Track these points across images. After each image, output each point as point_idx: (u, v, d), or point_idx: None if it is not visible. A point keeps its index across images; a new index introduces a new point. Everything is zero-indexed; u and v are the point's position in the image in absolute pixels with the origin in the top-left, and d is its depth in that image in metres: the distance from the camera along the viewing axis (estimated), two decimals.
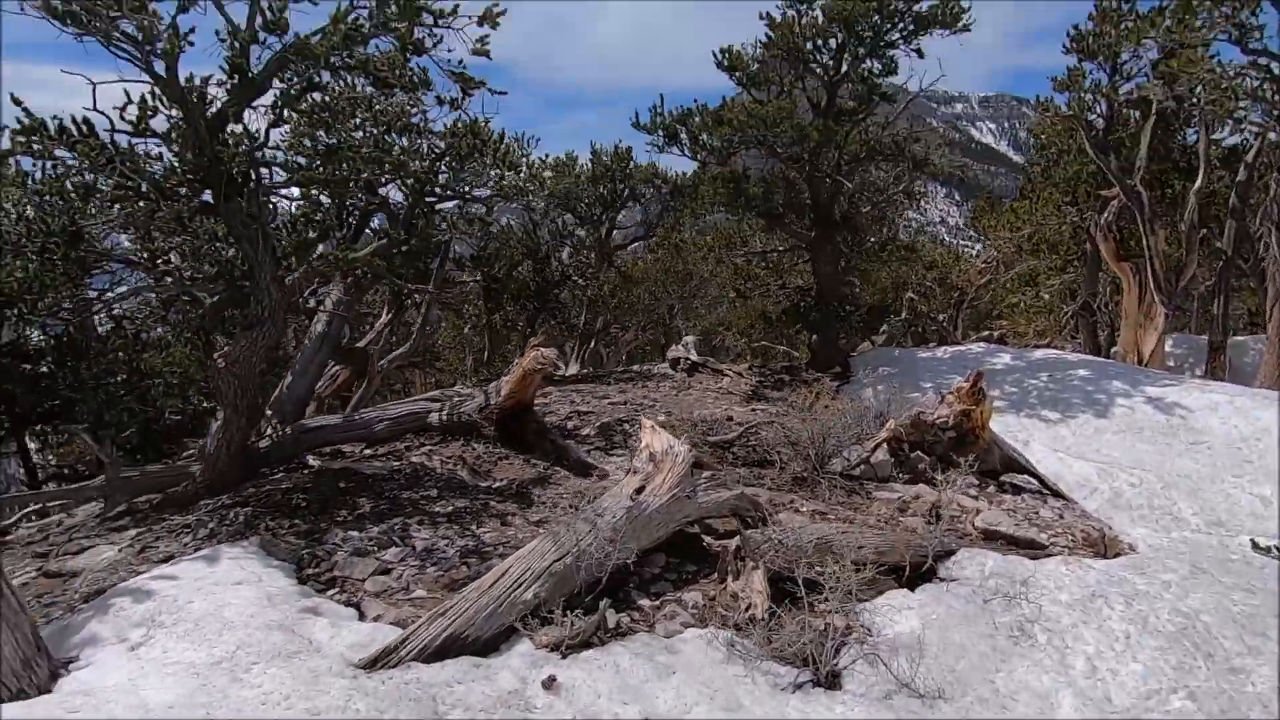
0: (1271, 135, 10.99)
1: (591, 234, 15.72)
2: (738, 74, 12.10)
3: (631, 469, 4.97)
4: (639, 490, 4.65)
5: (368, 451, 7.55)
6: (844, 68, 11.91)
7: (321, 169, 6.56)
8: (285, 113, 6.64)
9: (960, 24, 10.82)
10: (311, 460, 7.37)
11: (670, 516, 4.70)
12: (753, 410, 9.80)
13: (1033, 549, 5.49)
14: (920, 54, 11.56)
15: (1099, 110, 14.20)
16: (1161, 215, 12.90)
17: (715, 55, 12.12)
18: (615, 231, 17.09)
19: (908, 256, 13.92)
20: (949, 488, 6.52)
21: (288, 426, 7.47)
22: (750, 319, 14.03)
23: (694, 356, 13.35)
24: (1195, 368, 13.62)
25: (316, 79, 6.70)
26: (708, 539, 4.97)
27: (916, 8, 11.14)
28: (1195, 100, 11.58)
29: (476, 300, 14.51)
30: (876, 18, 11.05)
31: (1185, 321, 22.13)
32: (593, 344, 17.07)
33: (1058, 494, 7.26)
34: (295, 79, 6.63)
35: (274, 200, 7.19)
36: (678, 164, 22.28)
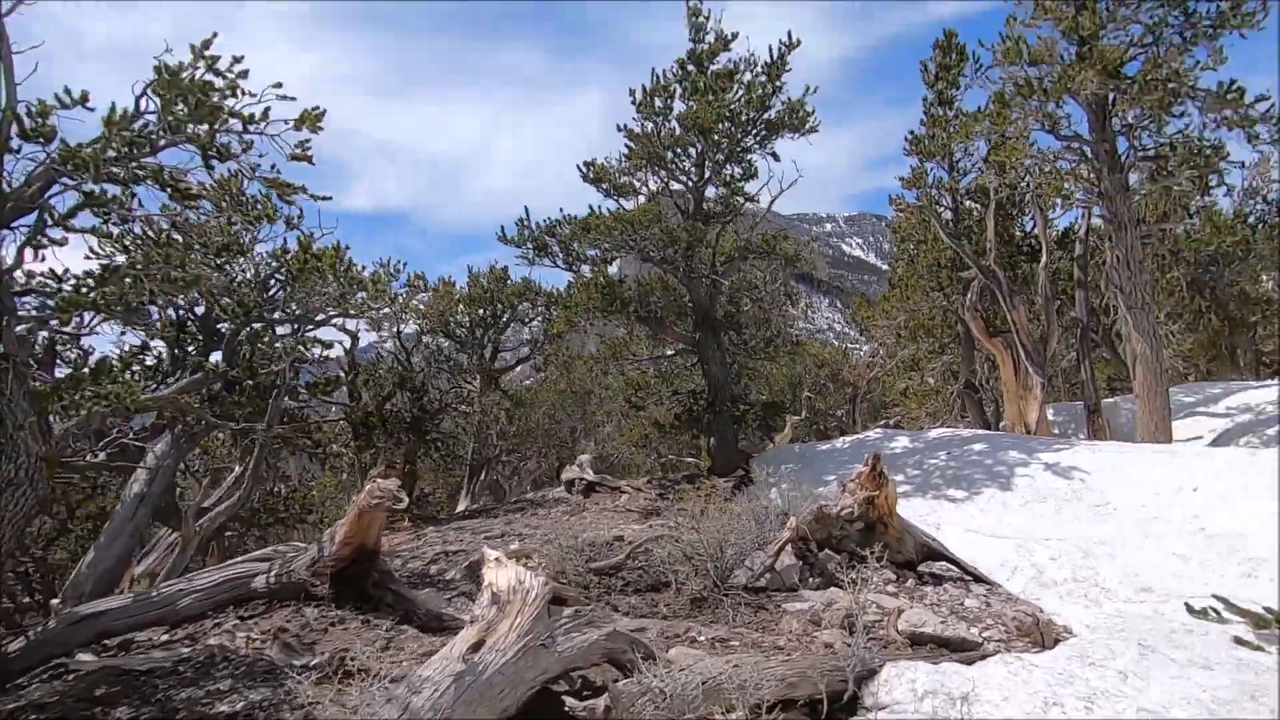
0: (1095, 210, 11.91)
1: (473, 357, 14.86)
2: (604, 185, 12.11)
3: (471, 618, 3.88)
4: (476, 646, 3.55)
5: (164, 637, 5.95)
6: (707, 173, 12.19)
7: (93, 291, 5.47)
8: (57, 233, 5.62)
9: (807, 126, 11.37)
10: (82, 657, 5.69)
11: (520, 676, 3.59)
12: (650, 526, 8.83)
13: (966, 650, 4.69)
14: (776, 157, 12.02)
15: (945, 203, 15.27)
16: (1019, 292, 13.59)
17: (580, 169, 12.15)
18: (501, 353, 16.36)
19: (795, 351, 13.86)
20: (864, 588, 5.72)
21: (53, 617, 5.82)
22: (644, 430, 13.33)
23: (589, 476, 12.36)
24: (1078, 432, 13.94)
25: (97, 192, 5.77)
26: (571, 701, 3.85)
27: (766, 115, 11.67)
28: (1026, 186, 12.55)
29: (345, 438, 13.07)
30: (729, 124, 11.46)
31: (1056, 392, 23.42)
32: (484, 475, 15.72)
33: (980, 579, 6.61)
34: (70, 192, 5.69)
35: (39, 331, 5.97)
36: (559, 280, 22.18)
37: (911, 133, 15.35)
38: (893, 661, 4.23)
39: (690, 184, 12.23)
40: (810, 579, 6.15)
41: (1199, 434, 11.53)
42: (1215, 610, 5.20)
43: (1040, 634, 5.05)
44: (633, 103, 11.58)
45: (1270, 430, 10.13)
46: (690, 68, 11.86)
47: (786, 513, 6.79)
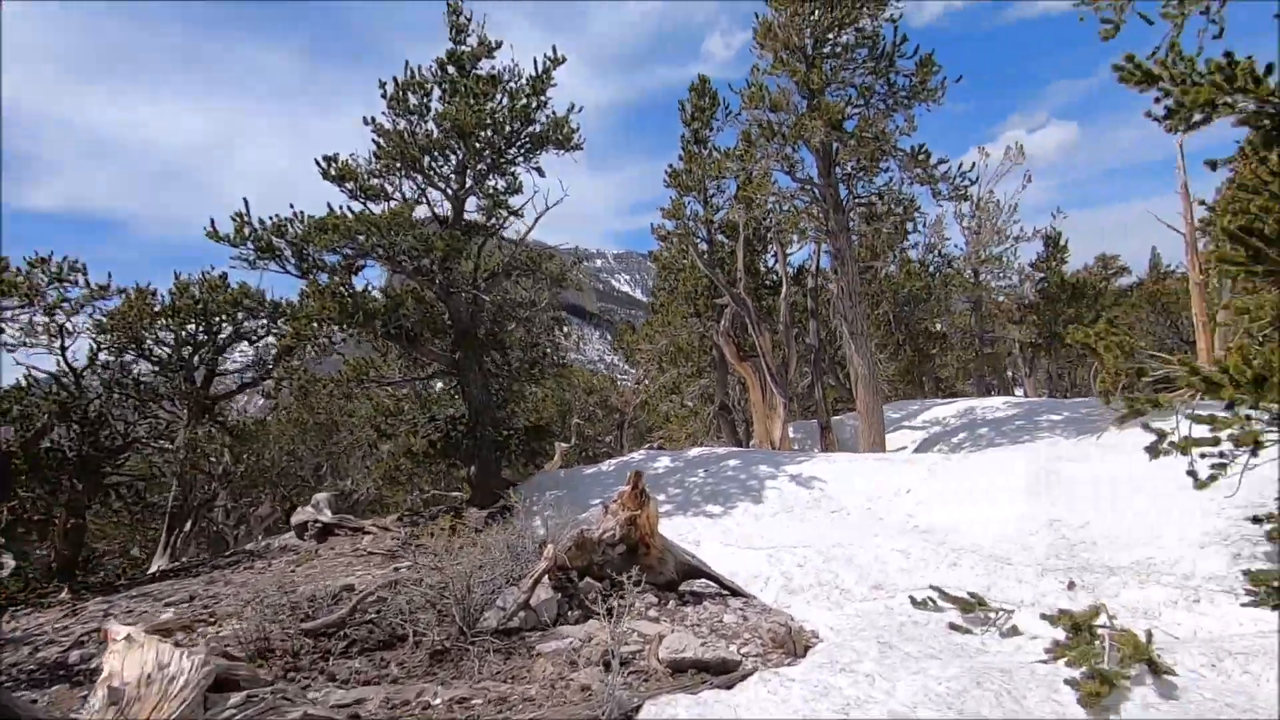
0: (824, 246, 13.35)
1: (177, 382, 12.19)
2: (349, 185, 10.73)
3: None
4: None
5: None
6: (468, 182, 11.42)
7: None
8: None
9: (572, 143, 11.20)
10: None
11: None
12: (394, 569, 7.67)
13: (727, 671, 4.46)
14: (540, 172, 11.66)
15: (701, 235, 16.21)
16: (765, 320, 14.75)
17: (320, 164, 10.63)
18: (219, 377, 13.71)
19: (561, 374, 13.49)
20: (625, 616, 5.32)
21: None
22: (393, 462, 11.91)
23: (325, 517, 10.67)
24: (814, 446, 15.41)
25: None
26: None
27: (531, 129, 11.28)
28: (769, 221, 13.70)
29: None
30: (492, 133, 10.86)
31: (794, 413, 26.19)
32: (190, 526, 12.91)
33: (737, 592, 6.61)
34: None
35: None
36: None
37: (670, 166, 16.13)
38: (653, 698, 3.81)
39: (450, 192, 11.37)
40: (570, 612, 5.60)
41: (904, 444, 13.33)
42: (933, 600, 5.66)
43: (793, 643, 5.02)
44: (383, 96, 10.47)
45: (955, 438, 12.02)
46: (450, 69, 11.10)
47: (546, 541, 6.19)
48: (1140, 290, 32.63)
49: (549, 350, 13.34)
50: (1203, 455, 4.15)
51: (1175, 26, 5.26)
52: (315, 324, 9.37)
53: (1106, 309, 28.88)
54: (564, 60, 11.07)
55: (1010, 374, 32.65)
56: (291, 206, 9.55)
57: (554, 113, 11.17)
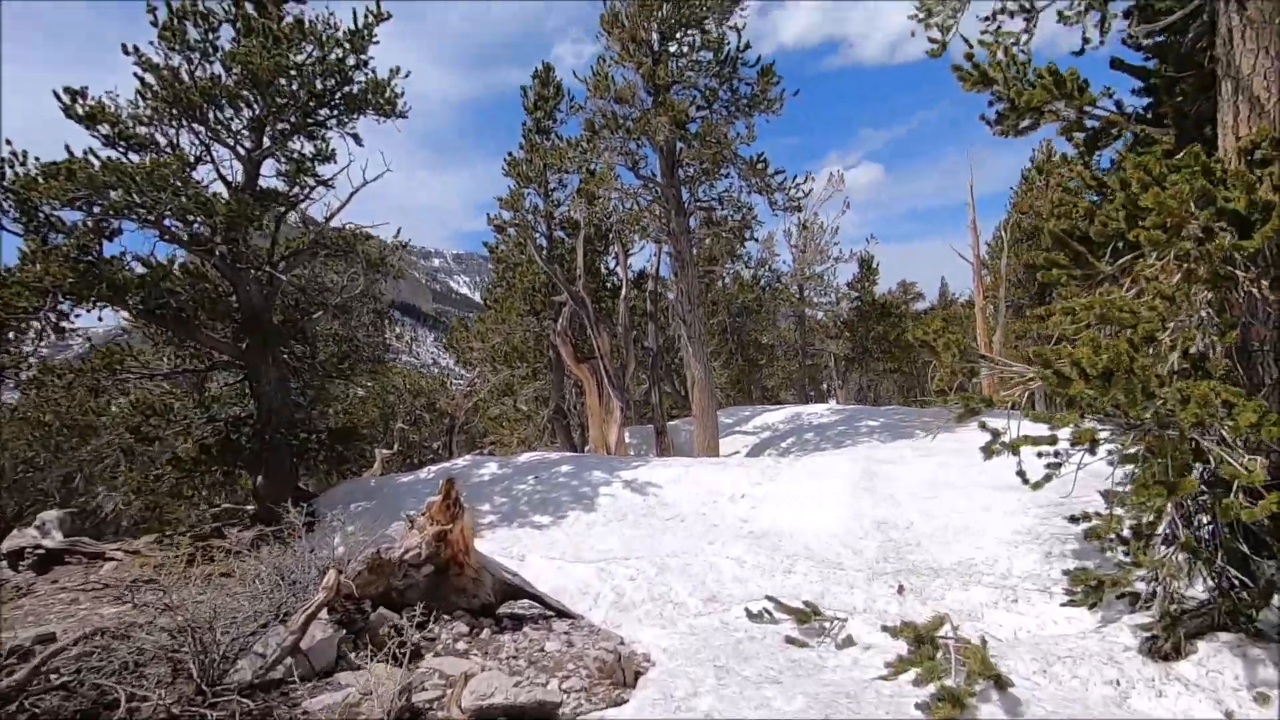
0: (665, 249, 13.16)
1: None
2: (105, 129, 8.69)
3: None
4: None
5: None
6: (266, 142, 9.76)
7: None
8: None
9: (396, 110, 9.96)
10: None
11: None
12: (135, 607, 6.05)
13: (544, 716, 3.73)
14: (358, 139, 10.27)
15: (541, 229, 15.43)
16: (603, 321, 14.27)
17: (59, 98, 8.49)
18: None
19: (378, 371, 12.03)
20: (426, 652, 4.42)
21: None
22: (149, 471, 9.74)
23: (53, 541, 8.50)
24: (649, 451, 15.17)
25: None
26: None
27: (348, 89, 9.89)
28: (611, 219, 13.26)
29: None
30: (299, 88, 9.35)
31: (629, 418, 26.13)
32: None
33: (563, 613, 5.91)
34: None
35: None
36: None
37: (510, 154, 15.22)
38: None
39: (243, 151, 9.64)
40: (356, 653, 4.56)
41: (737, 449, 13.46)
42: (768, 612, 5.34)
43: (622, 672, 4.42)
44: (153, 23, 8.60)
45: (784, 443, 12.28)
46: (248, 5, 9.41)
47: (332, 563, 5.08)
48: (933, 314, 36.74)
49: (363, 345, 11.84)
50: (1039, 454, 4.12)
51: (993, 49, 5.35)
52: (32, 295, 7.31)
53: (909, 328, 32.01)
54: (388, 17, 9.82)
55: (825, 386, 35.23)
56: (9, 143, 7.45)
57: (374, 73, 9.89)
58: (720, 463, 9.26)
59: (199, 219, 8.76)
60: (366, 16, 9.74)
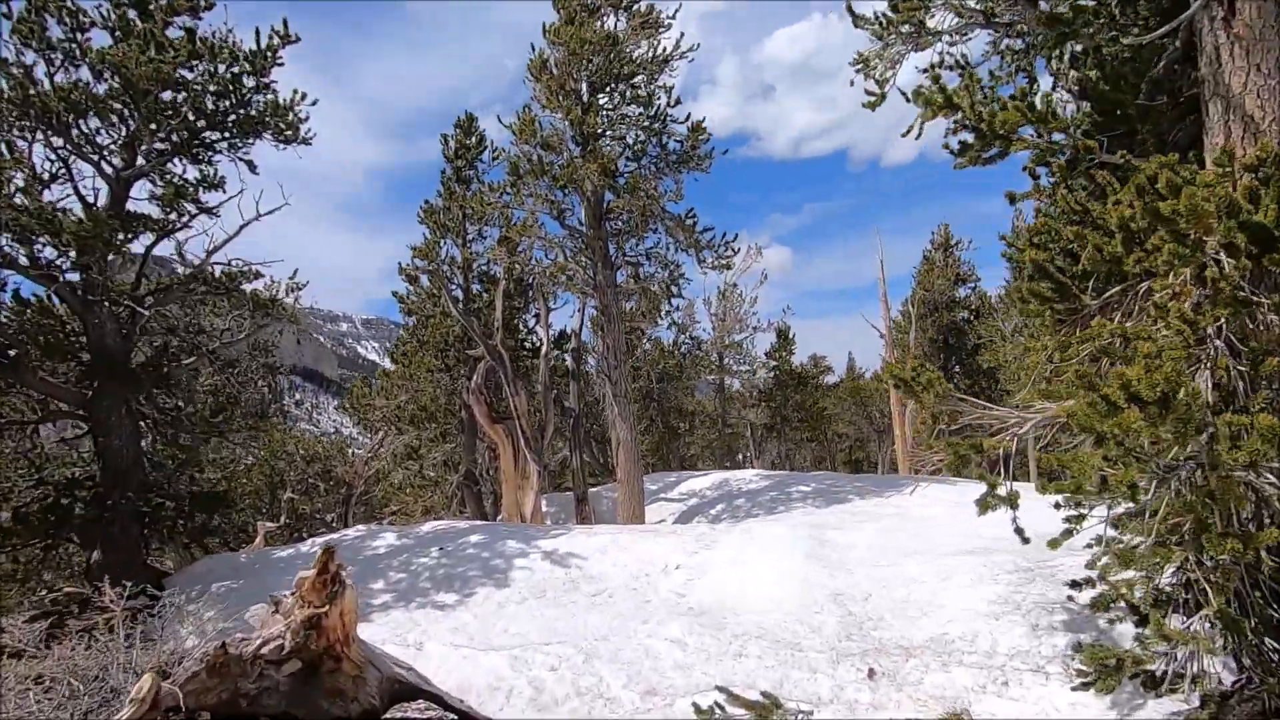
0: (590, 305, 12.55)
1: None
2: None
3: None
4: None
5: None
6: (140, 160, 8.58)
7: None
8: None
9: (299, 136, 9.05)
10: None
11: None
12: None
13: None
14: (252, 167, 9.24)
15: (457, 282, 14.54)
16: (521, 378, 13.36)
17: None
18: None
19: (259, 428, 10.53)
20: None
21: None
22: None
23: None
24: (569, 520, 14.05)
25: None
26: None
27: (245, 112, 8.93)
28: (532, 272, 12.58)
29: None
30: (184, 103, 8.32)
31: (545, 484, 24.78)
32: None
33: (468, 716, 4.81)
34: None
35: None
36: None
37: (426, 202, 14.44)
38: None
39: (110, 170, 8.40)
40: None
41: (663, 517, 12.60)
42: (720, 707, 4.47)
43: None
44: (4, 14, 7.44)
45: (714, 509, 11.56)
46: (131, 12, 8.40)
47: (151, 670, 3.83)
48: (842, 385, 37.79)
49: (244, 399, 10.37)
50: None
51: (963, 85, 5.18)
52: None
53: (820, 398, 32.64)
54: (296, 39, 9.03)
55: (740, 455, 35.15)
56: None
57: (276, 96, 9.00)
58: (650, 530, 8.41)
59: (43, 239, 7.42)
60: (271, 38, 8.92)
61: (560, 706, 4.87)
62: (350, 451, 26.11)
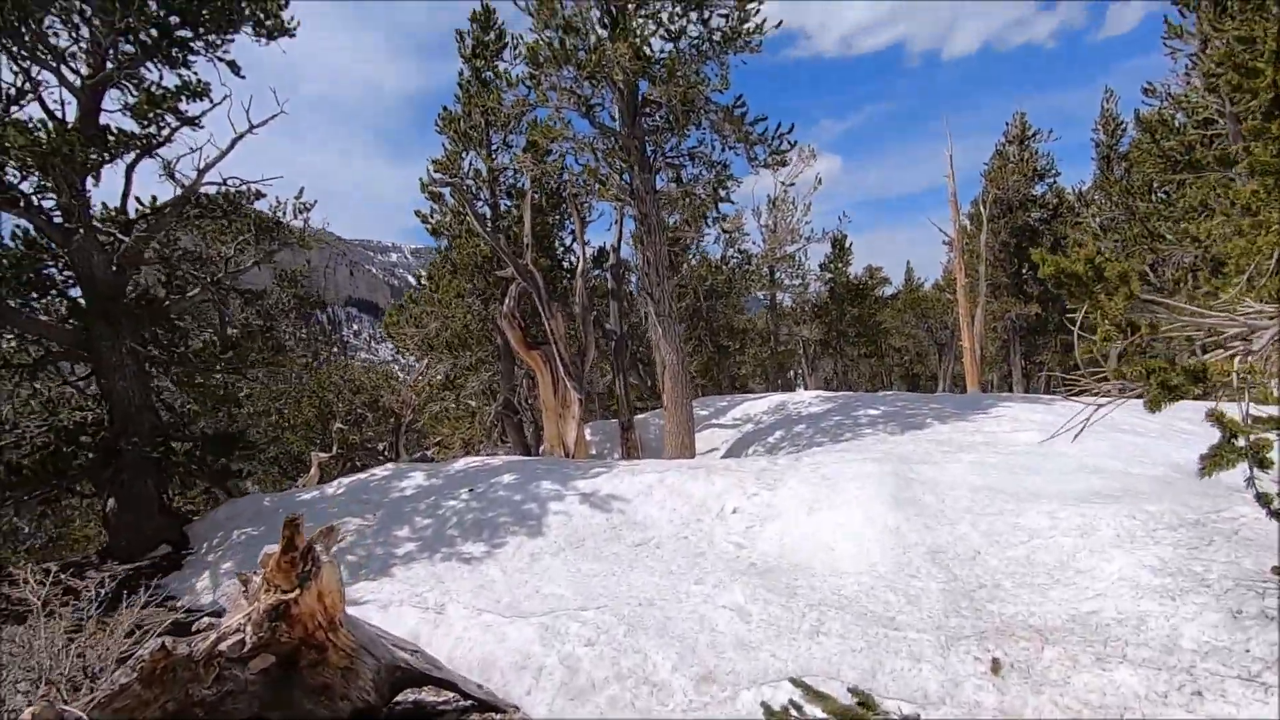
0: (628, 209, 11.25)
1: None
2: None
3: None
4: None
5: None
6: (108, 65, 7.52)
7: None
8: None
9: (282, 26, 7.82)
10: None
11: None
12: None
13: None
14: (235, 69, 8.09)
15: (484, 198, 13.35)
16: (558, 299, 12.31)
17: None
18: None
19: (275, 360, 9.83)
20: None
21: None
22: None
23: None
24: (614, 451, 13.30)
25: None
26: None
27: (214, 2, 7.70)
28: (563, 181, 11.27)
29: None
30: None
31: (591, 411, 24.23)
32: None
33: (488, 705, 4.02)
34: None
35: None
36: None
37: (445, 109, 13.09)
38: None
39: (76, 78, 7.39)
40: None
41: (716, 445, 11.66)
42: (797, 706, 3.53)
43: None
44: None
45: (771, 437, 10.52)
46: None
47: (48, 687, 3.05)
48: (900, 297, 35.62)
49: (262, 331, 9.64)
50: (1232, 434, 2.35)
51: None
52: None
53: (878, 312, 30.80)
54: None
55: (792, 373, 33.85)
56: None
57: None
58: (703, 466, 7.42)
59: (7, 162, 6.53)
60: None
61: (598, 693, 4.02)
62: (400, 380, 26.01)
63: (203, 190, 8.43)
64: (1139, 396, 2.48)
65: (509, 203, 13.59)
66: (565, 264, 15.49)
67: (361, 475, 8.93)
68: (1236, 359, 2.46)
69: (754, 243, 24.76)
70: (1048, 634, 3.59)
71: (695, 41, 10.40)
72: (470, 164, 12.98)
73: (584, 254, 12.34)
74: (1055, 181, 28.39)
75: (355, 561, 6.55)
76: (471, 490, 7.57)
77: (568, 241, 15.51)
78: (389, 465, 9.15)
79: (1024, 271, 29.11)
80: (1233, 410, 2.71)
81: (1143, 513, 4.32)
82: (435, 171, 12.62)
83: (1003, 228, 27.59)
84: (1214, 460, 2.37)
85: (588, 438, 14.01)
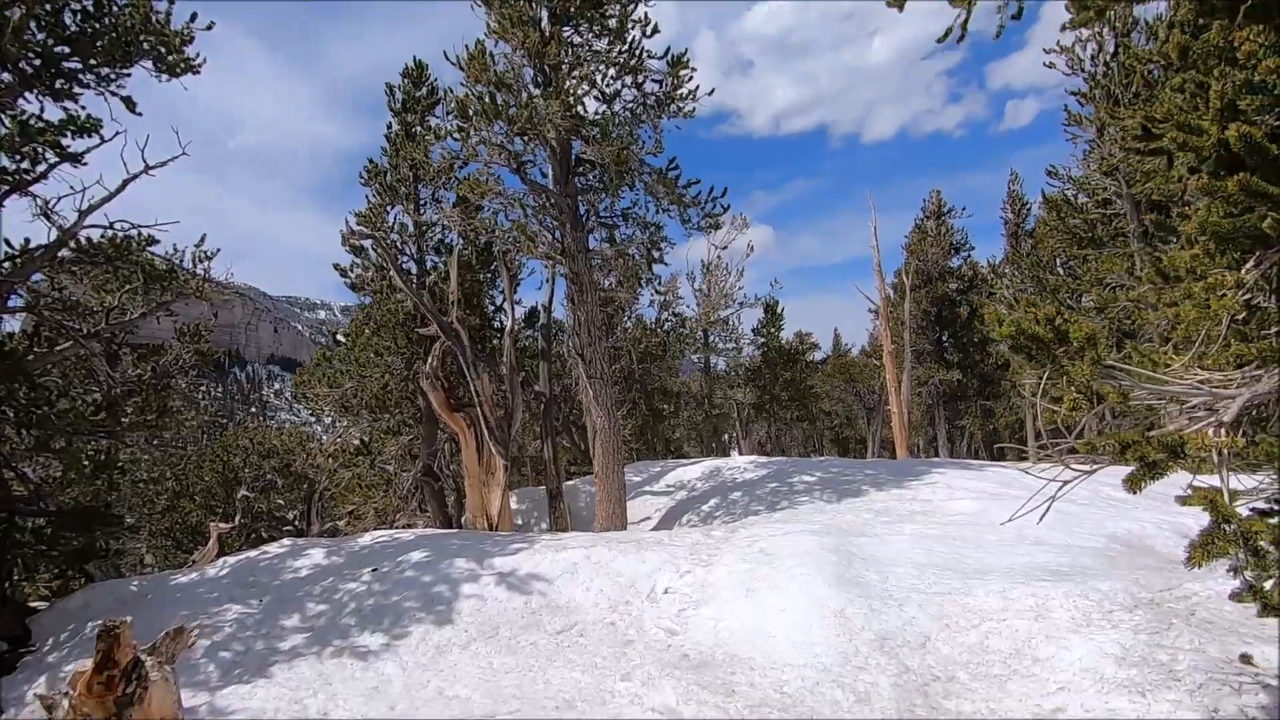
0: (559, 269, 10.94)
1: None
2: None
3: None
4: None
5: None
6: None
7: None
8: None
9: (185, 62, 7.27)
10: None
11: None
12: None
13: None
14: (130, 105, 7.45)
15: (410, 252, 12.82)
16: (483, 359, 11.74)
17: None
18: None
19: (158, 423, 8.78)
20: None
21: None
22: None
23: None
24: (540, 521, 12.55)
25: None
26: None
27: (113, 35, 7.13)
28: (493, 234, 10.91)
29: None
30: (29, 19, 6.52)
31: (523, 478, 23.26)
32: None
33: None
34: None
35: None
36: None
37: (371, 161, 12.65)
38: None
39: None
40: None
41: (648, 514, 11.12)
42: None
43: None
44: None
45: (706, 505, 10.08)
46: None
47: None
48: (829, 362, 36.52)
49: (141, 390, 8.64)
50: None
51: None
52: None
53: (809, 376, 31.35)
54: None
55: (727, 436, 33.85)
56: None
57: (167, 11, 7.20)
58: (633, 540, 6.88)
59: None
60: None
61: None
62: (314, 443, 24.34)
63: (85, 234, 7.62)
64: (1103, 467, 2.20)
65: (436, 259, 13.10)
66: (496, 323, 14.97)
67: (251, 553, 7.93)
68: (1212, 431, 2.23)
69: (688, 306, 24.95)
70: None
71: (629, 105, 10.42)
72: (396, 218, 12.50)
73: (513, 313, 11.89)
74: (970, 255, 30.08)
75: (229, 659, 5.62)
76: (375, 570, 6.76)
77: (498, 301, 15.05)
78: (285, 541, 8.17)
79: (944, 339, 30.36)
80: (1197, 481, 2.47)
81: (1095, 592, 4.07)
82: (358, 224, 12.05)
83: (924, 297, 28.83)
84: (1204, 549, 2.09)
85: (514, 506, 13.22)
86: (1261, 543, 2.04)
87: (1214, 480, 2.85)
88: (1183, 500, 2.36)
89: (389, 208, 12.49)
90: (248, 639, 5.94)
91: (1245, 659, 3.06)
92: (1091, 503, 6.92)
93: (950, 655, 3.93)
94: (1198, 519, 6.17)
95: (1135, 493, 2.11)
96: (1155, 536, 5.67)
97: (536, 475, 21.13)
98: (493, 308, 15.14)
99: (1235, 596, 3.63)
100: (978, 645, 3.95)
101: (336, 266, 12.42)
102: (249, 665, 5.48)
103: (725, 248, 23.60)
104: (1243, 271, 2.76)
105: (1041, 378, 2.42)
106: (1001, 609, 4.20)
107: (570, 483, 14.12)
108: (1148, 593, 4.01)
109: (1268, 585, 2.25)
